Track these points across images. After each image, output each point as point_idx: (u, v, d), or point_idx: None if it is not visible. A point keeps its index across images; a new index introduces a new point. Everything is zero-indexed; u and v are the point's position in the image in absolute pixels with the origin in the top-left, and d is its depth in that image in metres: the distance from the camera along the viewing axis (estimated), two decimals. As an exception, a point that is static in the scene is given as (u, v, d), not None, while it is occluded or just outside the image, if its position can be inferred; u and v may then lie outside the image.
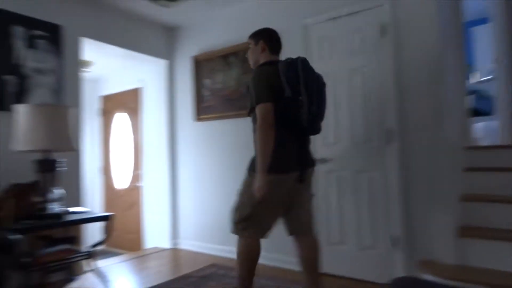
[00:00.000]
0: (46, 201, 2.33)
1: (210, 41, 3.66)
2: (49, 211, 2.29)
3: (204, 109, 3.66)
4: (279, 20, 3.13)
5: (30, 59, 2.76)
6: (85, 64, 3.89)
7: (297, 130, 1.90)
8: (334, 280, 2.64)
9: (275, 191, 1.84)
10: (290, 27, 3.05)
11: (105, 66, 4.31)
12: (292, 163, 1.88)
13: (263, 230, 1.93)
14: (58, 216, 2.24)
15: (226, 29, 3.54)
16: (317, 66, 2.89)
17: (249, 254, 1.93)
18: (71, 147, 2.36)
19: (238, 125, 3.40)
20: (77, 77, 3.10)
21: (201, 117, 3.69)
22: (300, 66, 1.85)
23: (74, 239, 2.50)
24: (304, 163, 1.93)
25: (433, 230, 2.37)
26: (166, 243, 3.91)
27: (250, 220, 1.90)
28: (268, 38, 2.07)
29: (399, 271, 2.47)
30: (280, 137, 1.81)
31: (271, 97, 1.80)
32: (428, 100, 2.44)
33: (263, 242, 1.96)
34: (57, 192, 2.40)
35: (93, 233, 4.53)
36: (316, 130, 1.95)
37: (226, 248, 3.45)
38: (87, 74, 4.33)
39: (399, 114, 2.54)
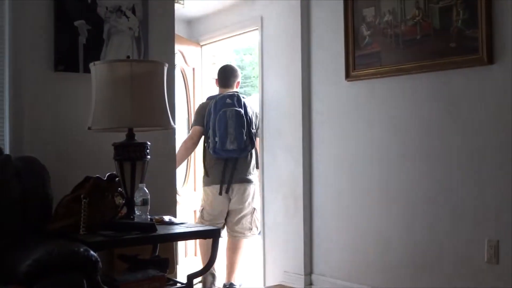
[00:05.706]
0: (132, 204, 2.57)
1: None
2: (137, 219, 2.54)
3: (362, 59, 3.65)
4: None
5: (106, -8, 3.08)
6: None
7: None
8: None
9: None
10: None
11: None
12: None
13: None
14: (151, 227, 2.45)
15: None
16: None
17: None
18: (166, 123, 2.54)
19: (423, 85, 3.32)
20: (169, 15, 3.37)
21: (356, 72, 3.69)
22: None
23: (165, 263, 2.71)
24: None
25: None
26: (296, 280, 4.01)
27: None
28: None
29: None
30: None
31: None
32: None
33: None
34: (143, 191, 2.62)
35: (182, 255, 4.91)
36: None
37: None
38: (178, 11, 4.62)
39: None
